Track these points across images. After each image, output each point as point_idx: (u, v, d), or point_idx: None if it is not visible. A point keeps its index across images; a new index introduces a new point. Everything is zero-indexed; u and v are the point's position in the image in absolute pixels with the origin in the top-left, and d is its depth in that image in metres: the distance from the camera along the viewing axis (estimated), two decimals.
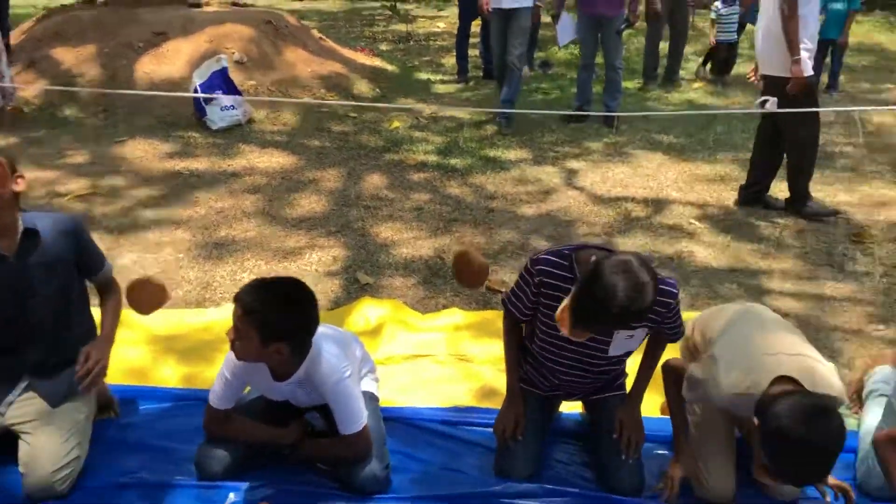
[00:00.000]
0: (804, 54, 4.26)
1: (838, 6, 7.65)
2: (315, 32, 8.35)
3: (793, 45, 4.22)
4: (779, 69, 4.37)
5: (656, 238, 4.43)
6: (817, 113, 4.56)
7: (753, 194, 4.83)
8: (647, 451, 2.60)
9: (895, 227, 4.58)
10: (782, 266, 4.11)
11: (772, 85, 4.48)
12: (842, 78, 8.11)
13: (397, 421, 2.71)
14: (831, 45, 7.71)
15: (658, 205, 4.93)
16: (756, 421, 2.03)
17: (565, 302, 2.17)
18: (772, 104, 4.06)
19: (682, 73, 8.50)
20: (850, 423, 2.75)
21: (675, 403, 2.44)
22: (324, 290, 3.74)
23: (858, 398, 2.80)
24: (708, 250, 4.27)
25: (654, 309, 2.19)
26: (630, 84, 8.01)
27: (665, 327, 2.38)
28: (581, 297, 2.07)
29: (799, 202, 4.75)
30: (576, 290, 2.11)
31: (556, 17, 6.86)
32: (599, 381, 2.51)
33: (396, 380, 3.01)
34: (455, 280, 3.59)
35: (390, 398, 2.82)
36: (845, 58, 8.17)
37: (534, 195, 5.09)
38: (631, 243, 4.35)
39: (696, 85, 8.08)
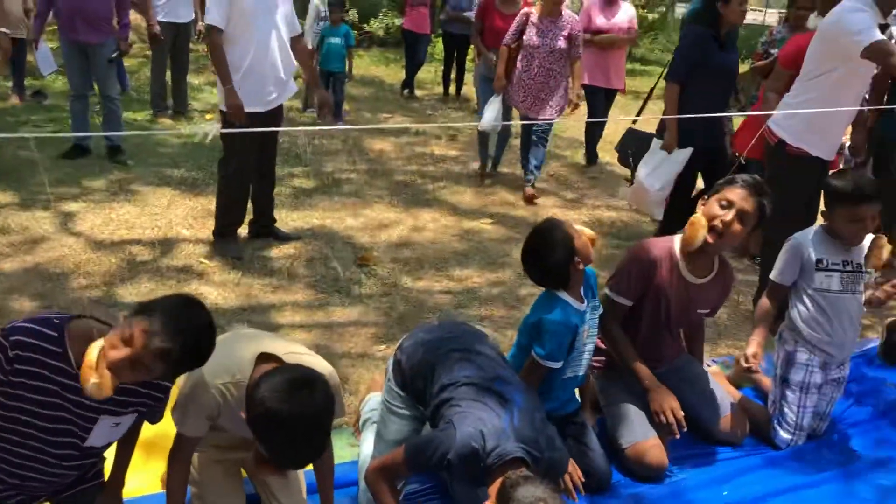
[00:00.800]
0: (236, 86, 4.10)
1: (336, 41, 8.17)
2: None
3: (221, 76, 4.11)
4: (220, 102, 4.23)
5: (164, 282, 4.10)
6: (242, 151, 4.34)
7: (262, 227, 4.78)
8: None
9: (394, 247, 4.93)
10: (294, 298, 4.10)
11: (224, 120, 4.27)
12: (346, 107, 8.68)
13: None
14: (332, 77, 8.20)
15: (167, 245, 4.59)
16: (244, 414, 1.91)
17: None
18: (214, 129, 3.81)
19: (194, 103, 8.28)
20: (353, 452, 2.79)
21: (173, 479, 2.18)
22: None
23: (356, 426, 2.83)
24: (218, 290, 4.08)
25: (157, 389, 2.04)
26: (141, 115, 7.54)
27: (156, 410, 2.13)
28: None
29: (216, 234, 4.59)
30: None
31: (34, 44, 6.07)
32: (71, 476, 2.10)
33: None
34: None
35: None
36: (350, 89, 8.80)
37: (18, 246, 4.37)
38: (136, 291, 3.95)
39: (209, 116, 7.92)
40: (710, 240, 2.74)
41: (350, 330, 3.81)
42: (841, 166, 4.73)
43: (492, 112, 5.92)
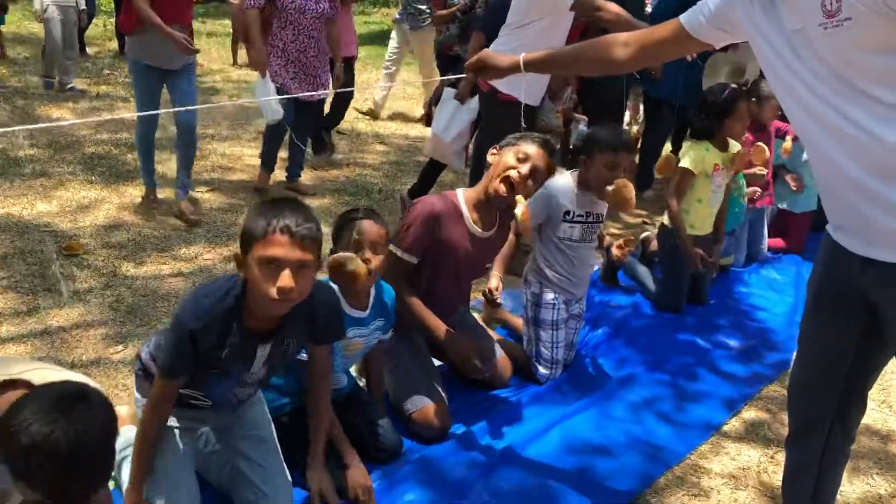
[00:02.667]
0: None
1: None
2: None
3: None
4: None
5: None
6: None
7: None
8: None
9: (103, 230, 4.36)
10: None
11: None
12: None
13: None
14: None
15: None
16: None
17: None
18: None
19: None
20: None
21: None
22: None
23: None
24: None
25: None
26: None
27: None
28: None
29: None
30: None
31: None
32: None
33: None
34: None
35: None
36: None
37: None
38: None
39: None
40: (501, 191, 2.75)
41: (74, 334, 3.30)
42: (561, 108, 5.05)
43: (268, 94, 4.70)
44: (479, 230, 2.88)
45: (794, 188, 4.78)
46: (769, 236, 4.89)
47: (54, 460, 1.53)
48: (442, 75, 5.89)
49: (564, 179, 3.25)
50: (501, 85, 4.10)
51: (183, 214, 4.58)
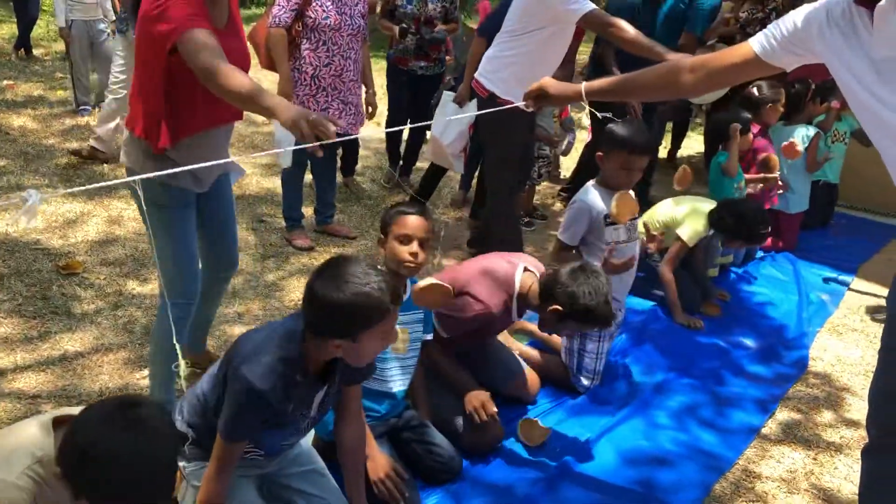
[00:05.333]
0: None
1: None
2: None
3: None
4: None
5: None
6: None
7: None
8: None
9: (98, 246, 4.16)
10: (1, 332, 3.26)
11: None
12: None
13: None
14: None
15: None
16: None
17: None
18: None
19: None
20: None
21: None
22: None
23: None
24: None
25: None
26: None
27: None
28: None
29: None
30: None
31: None
32: None
33: None
34: None
35: None
36: None
37: None
38: None
39: None
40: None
41: (94, 360, 3.15)
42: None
43: (287, 134, 4.21)
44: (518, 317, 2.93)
45: (781, 192, 4.93)
46: None
47: (118, 466, 1.49)
48: (391, 89, 5.63)
49: (590, 185, 3.25)
50: (501, 90, 4.05)
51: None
